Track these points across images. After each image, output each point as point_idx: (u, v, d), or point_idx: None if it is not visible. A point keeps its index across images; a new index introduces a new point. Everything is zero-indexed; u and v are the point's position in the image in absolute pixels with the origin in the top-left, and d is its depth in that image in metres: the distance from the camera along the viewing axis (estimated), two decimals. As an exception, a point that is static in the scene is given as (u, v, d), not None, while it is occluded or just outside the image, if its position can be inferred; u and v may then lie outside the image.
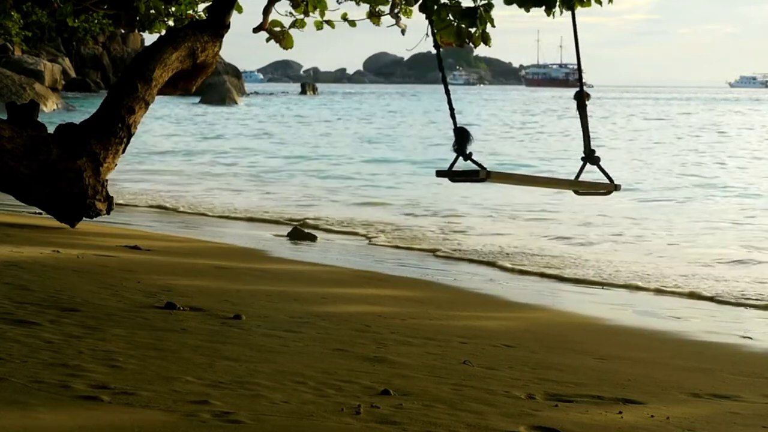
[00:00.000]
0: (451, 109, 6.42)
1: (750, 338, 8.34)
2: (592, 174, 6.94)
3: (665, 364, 6.82)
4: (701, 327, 8.78)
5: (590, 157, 6.92)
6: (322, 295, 8.70)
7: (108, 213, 11.91)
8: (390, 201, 19.21)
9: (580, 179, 7.04)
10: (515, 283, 10.77)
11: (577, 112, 6.99)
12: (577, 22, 7.16)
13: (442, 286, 10.33)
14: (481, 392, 5.18)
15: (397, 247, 13.43)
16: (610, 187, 6.98)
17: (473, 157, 6.31)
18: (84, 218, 11.68)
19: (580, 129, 6.91)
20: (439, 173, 6.47)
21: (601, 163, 6.91)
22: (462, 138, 6.34)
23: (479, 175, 6.20)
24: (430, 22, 7.00)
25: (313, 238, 13.68)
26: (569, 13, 8.02)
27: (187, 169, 25.95)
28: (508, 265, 11.93)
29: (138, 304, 7.02)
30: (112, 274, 8.46)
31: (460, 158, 6.36)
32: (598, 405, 5.15)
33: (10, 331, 5.60)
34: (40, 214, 12.63)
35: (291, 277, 10.04)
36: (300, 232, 14.05)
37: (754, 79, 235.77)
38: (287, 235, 13.94)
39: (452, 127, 6.39)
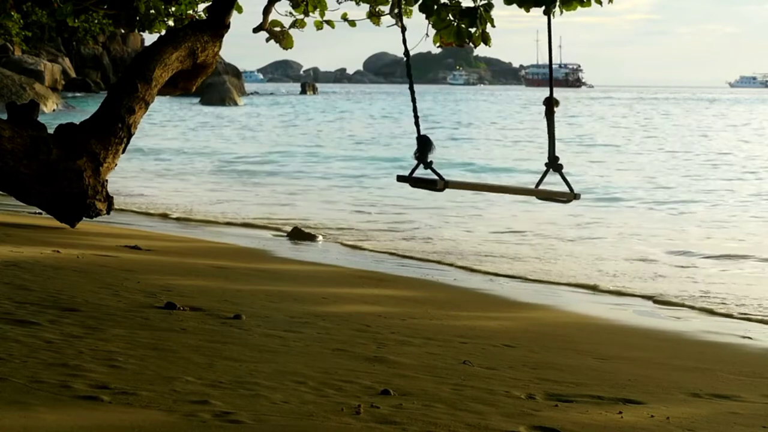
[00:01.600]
0: (416, 117, 6.58)
1: (750, 338, 8.35)
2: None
3: (665, 364, 6.82)
4: (701, 327, 8.78)
5: (553, 164, 6.97)
6: (322, 295, 8.70)
7: (108, 213, 11.91)
8: (345, 200, 19.28)
9: (542, 186, 7.09)
10: (513, 284, 10.77)
11: (545, 119, 7.03)
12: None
13: (442, 286, 10.33)
14: (481, 392, 5.18)
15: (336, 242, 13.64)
16: (569, 196, 7.03)
17: (433, 166, 6.47)
18: (84, 218, 11.68)
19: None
20: (400, 178, 6.65)
21: (563, 170, 6.95)
22: (424, 146, 6.48)
23: (437, 185, 6.39)
24: (403, 31, 7.02)
25: (313, 238, 13.69)
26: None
27: (155, 168, 25.93)
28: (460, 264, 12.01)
29: (138, 304, 7.02)
30: (112, 274, 8.46)
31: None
32: (598, 405, 5.16)
33: (10, 331, 5.60)
34: (40, 214, 12.64)
35: (291, 277, 10.04)
36: (300, 232, 14.06)
37: (754, 79, 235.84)
38: (287, 235, 13.95)
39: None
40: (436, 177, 6.42)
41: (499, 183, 7.01)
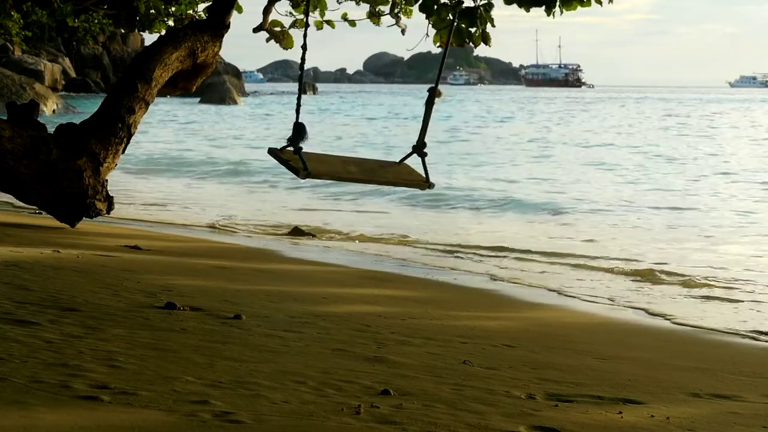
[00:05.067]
0: (298, 106, 7.07)
1: (751, 338, 8.35)
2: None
3: (665, 364, 6.82)
4: (701, 326, 8.77)
5: (419, 149, 7.53)
6: (322, 295, 8.70)
7: (108, 213, 11.90)
8: (345, 199, 19.35)
9: (402, 170, 7.63)
10: (514, 284, 10.77)
11: (424, 106, 7.52)
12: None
13: (442, 286, 10.32)
14: (481, 392, 5.18)
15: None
16: (424, 185, 7.58)
17: (302, 153, 7.01)
18: (84, 218, 11.67)
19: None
20: (271, 151, 7.16)
21: (426, 158, 7.54)
22: (297, 133, 7.00)
23: (299, 174, 6.95)
24: (306, 26, 7.34)
25: (313, 238, 13.69)
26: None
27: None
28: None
29: (138, 304, 7.02)
30: (112, 274, 8.45)
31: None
32: (598, 405, 5.16)
33: (10, 331, 5.60)
34: (40, 213, 12.63)
35: (291, 277, 10.04)
36: (300, 231, 14.07)
37: (754, 79, 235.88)
38: (287, 234, 13.96)
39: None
40: (301, 165, 6.94)
41: (361, 169, 7.47)
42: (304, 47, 7.25)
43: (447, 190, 20.22)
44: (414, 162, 7.72)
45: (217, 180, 24.10)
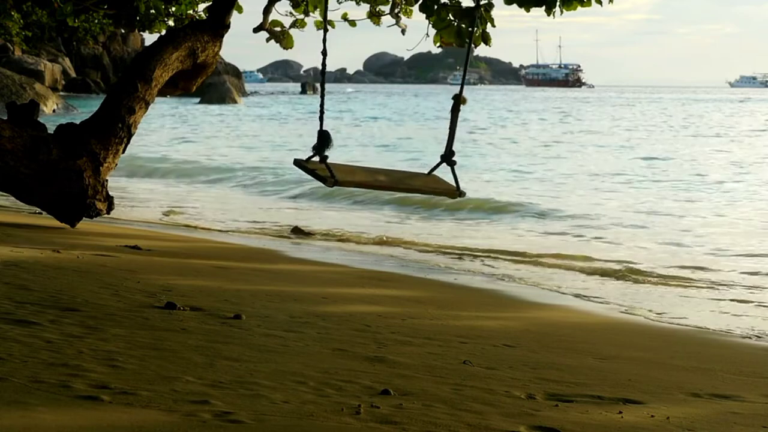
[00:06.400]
0: (321, 113, 7.04)
1: (751, 338, 8.35)
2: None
3: (665, 364, 6.82)
4: (701, 326, 8.78)
5: (448, 158, 7.37)
6: (322, 295, 8.70)
7: (108, 213, 11.90)
8: (345, 199, 19.41)
9: (431, 180, 7.52)
10: (514, 283, 10.78)
11: (450, 114, 7.43)
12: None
13: (442, 286, 10.32)
14: (481, 392, 5.18)
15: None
16: (455, 194, 7.45)
17: (329, 163, 6.93)
18: (84, 218, 11.67)
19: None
20: (296, 162, 7.10)
21: (456, 167, 7.42)
22: (322, 141, 6.93)
23: (327, 182, 6.89)
24: (325, 31, 7.19)
25: (313, 238, 13.69)
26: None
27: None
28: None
29: (138, 304, 7.01)
30: (112, 274, 8.45)
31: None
32: (598, 405, 5.16)
33: (10, 331, 5.60)
34: (40, 213, 12.63)
35: (291, 277, 10.04)
36: (300, 231, 14.07)
37: (754, 79, 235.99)
38: (288, 234, 13.96)
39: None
40: (328, 174, 6.89)
41: (389, 178, 7.39)
42: (324, 53, 7.15)
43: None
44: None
45: (206, 180, 24.08)
